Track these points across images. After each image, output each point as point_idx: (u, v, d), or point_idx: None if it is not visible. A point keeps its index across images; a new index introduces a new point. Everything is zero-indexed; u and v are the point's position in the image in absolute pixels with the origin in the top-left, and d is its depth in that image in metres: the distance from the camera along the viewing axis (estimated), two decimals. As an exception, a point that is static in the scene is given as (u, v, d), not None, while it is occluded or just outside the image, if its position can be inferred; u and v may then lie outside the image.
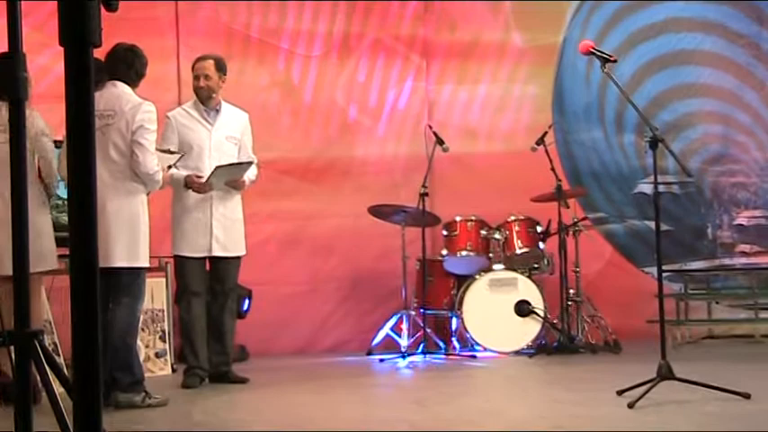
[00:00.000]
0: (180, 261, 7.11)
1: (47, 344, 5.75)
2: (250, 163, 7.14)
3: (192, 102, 7.24)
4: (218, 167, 6.91)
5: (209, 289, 7.17)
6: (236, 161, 7.09)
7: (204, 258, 7.11)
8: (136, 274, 6.13)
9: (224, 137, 7.16)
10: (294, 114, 9.92)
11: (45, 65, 7.84)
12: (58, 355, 7.14)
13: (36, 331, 2.99)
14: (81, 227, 1.79)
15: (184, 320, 7.13)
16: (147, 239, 6.22)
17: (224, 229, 7.09)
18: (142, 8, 8.85)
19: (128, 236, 6.05)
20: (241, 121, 7.31)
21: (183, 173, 6.94)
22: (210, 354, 7.13)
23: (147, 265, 6.27)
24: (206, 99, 7.14)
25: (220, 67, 7.19)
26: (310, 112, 9.98)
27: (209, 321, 7.15)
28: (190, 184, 6.94)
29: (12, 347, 2.99)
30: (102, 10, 1.92)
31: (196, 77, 7.16)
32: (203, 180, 6.93)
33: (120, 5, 2.02)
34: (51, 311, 7.33)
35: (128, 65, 6.23)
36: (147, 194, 6.28)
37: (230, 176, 7.01)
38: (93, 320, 1.78)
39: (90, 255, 1.78)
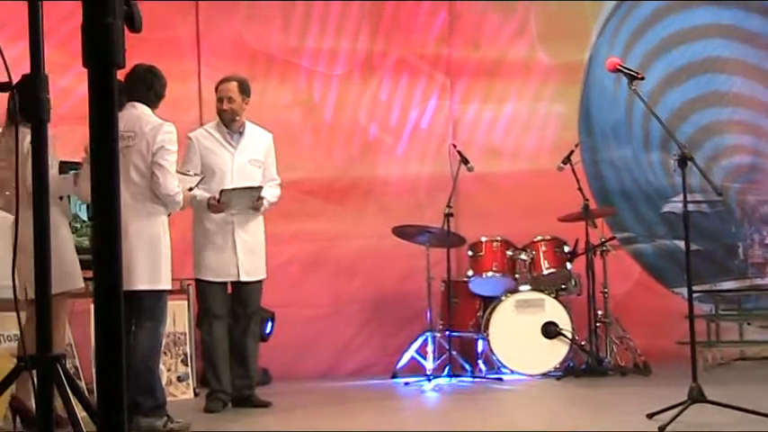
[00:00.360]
0: (201, 285, 7.12)
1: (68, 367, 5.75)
2: (259, 188, 7.09)
3: (215, 122, 7.24)
4: (222, 191, 6.91)
5: (232, 312, 7.16)
6: (256, 184, 7.07)
7: (226, 282, 7.11)
8: (158, 297, 6.14)
9: (247, 160, 7.16)
10: (316, 134, 9.93)
11: (68, 86, 7.87)
12: (80, 379, 7.16)
13: (58, 355, 3.00)
14: (105, 250, 1.80)
15: (206, 344, 7.13)
16: (168, 261, 6.22)
17: (246, 254, 7.08)
18: (163, 28, 8.91)
19: (149, 258, 6.05)
20: (265, 143, 7.31)
21: (206, 195, 6.95)
22: (233, 377, 7.12)
23: (169, 287, 6.27)
24: (229, 122, 7.15)
25: (244, 90, 7.18)
26: (333, 132, 9.99)
27: (232, 345, 7.14)
28: (209, 206, 6.95)
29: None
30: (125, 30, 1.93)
31: (219, 100, 7.16)
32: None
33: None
34: (72, 335, 7.35)
35: (147, 86, 6.24)
36: (168, 216, 6.29)
37: (241, 200, 7.01)
38: (118, 344, 1.78)
39: (114, 278, 1.78)
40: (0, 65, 2.92)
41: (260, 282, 7.22)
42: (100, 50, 1.83)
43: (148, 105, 6.25)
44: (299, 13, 9.87)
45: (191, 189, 6.59)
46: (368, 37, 10.08)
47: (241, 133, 7.18)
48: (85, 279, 6.21)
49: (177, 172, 6.37)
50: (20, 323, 3.38)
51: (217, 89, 7.23)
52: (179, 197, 6.20)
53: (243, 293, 7.15)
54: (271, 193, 7.21)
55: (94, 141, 1.81)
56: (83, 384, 6.94)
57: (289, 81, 9.85)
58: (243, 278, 7.08)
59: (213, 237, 7.04)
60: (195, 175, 6.75)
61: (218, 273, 7.03)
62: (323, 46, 9.95)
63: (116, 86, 1.81)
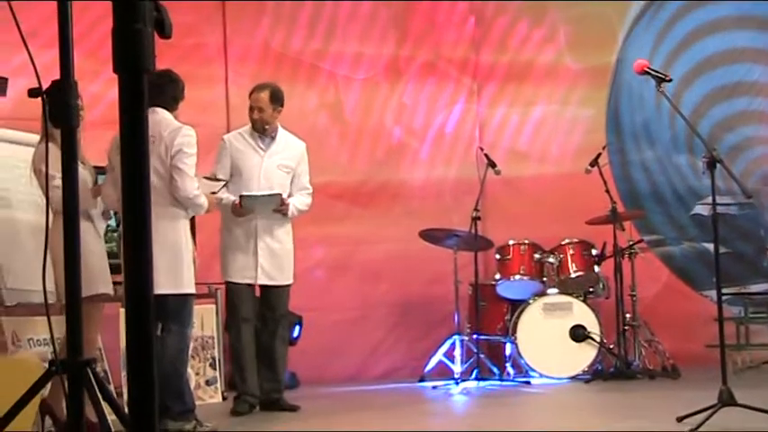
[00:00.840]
0: (230, 287, 7.15)
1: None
2: (278, 194, 7.09)
3: (248, 126, 7.28)
4: (242, 196, 6.95)
5: (260, 316, 7.18)
6: (277, 191, 7.08)
7: (253, 285, 7.13)
8: (183, 301, 6.15)
9: (275, 165, 7.17)
10: (343, 138, 9.94)
11: (97, 92, 7.91)
12: (109, 383, 7.19)
13: (89, 359, 3.01)
14: (136, 255, 1.81)
15: (235, 347, 7.16)
16: (191, 265, 6.24)
17: (269, 258, 7.08)
18: (192, 35, 8.94)
19: (171, 262, 6.05)
20: (297, 151, 7.33)
21: (232, 198, 6.98)
22: (261, 381, 7.13)
23: (192, 291, 6.28)
24: (260, 130, 7.19)
25: (276, 99, 7.19)
26: (359, 136, 9.99)
27: (260, 348, 7.16)
28: (232, 209, 6.99)
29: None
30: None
31: (251, 109, 7.20)
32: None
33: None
34: (102, 339, 7.38)
35: (164, 90, 6.26)
36: (192, 219, 6.31)
37: (263, 206, 7.03)
38: (149, 349, 1.79)
39: (144, 283, 1.79)
40: (30, 71, 2.94)
41: (287, 287, 7.23)
42: (130, 56, 1.84)
43: (167, 109, 6.26)
44: (326, 17, 9.88)
45: (214, 193, 6.59)
46: (394, 41, 10.09)
47: (273, 138, 7.21)
48: (115, 284, 6.24)
49: (204, 177, 6.39)
50: (50, 327, 3.39)
51: (250, 96, 7.26)
52: (199, 199, 6.21)
53: (270, 297, 7.18)
54: (300, 201, 7.21)
55: (125, 147, 1.82)
56: (112, 388, 6.97)
57: (315, 85, 9.86)
58: (263, 281, 7.08)
59: (238, 239, 7.07)
60: (219, 180, 6.77)
61: (243, 274, 7.05)
62: (349, 50, 9.96)
63: (146, 92, 1.82)
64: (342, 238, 9.67)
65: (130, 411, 1.79)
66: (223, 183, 6.77)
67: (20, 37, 3.02)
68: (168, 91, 6.28)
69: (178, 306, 6.12)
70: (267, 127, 7.17)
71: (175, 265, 6.09)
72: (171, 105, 6.31)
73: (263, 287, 7.17)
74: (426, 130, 10.20)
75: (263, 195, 7.03)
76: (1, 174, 6.93)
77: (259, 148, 7.17)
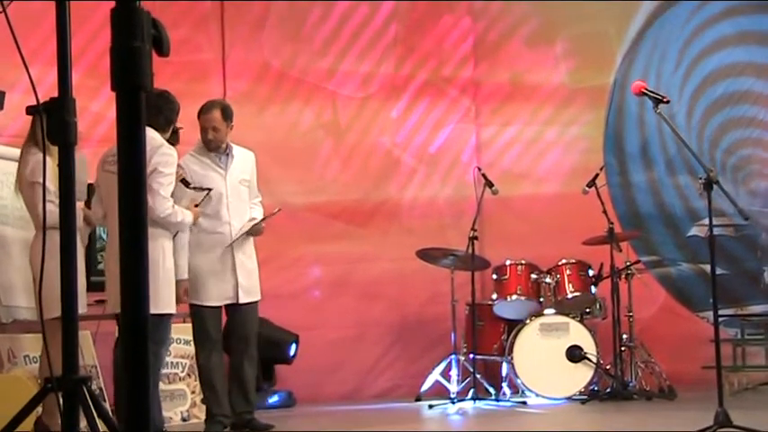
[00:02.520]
0: (199, 311, 6.96)
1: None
2: (278, 210, 7.17)
3: (199, 146, 7.09)
4: (255, 225, 6.97)
5: (229, 335, 7.06)
6: (247, 203, 7.09)
7: (220, 306, 7.03)
8: (158, 321, 6.06)
9: (237, 180, 7.06)
10: (340, 156, 9.94)
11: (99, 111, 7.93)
12: (104, 401, 7.17)
13: (84, 377, 3.01)
14: (132, 274, 1.80)
15: (206, 369, 6.99)
16: (169, 285, 6.20)
17: (246, 276, 6.97)
18: (189, 52, 8.95)
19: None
20: (251, 162, 7.22)
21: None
22: (233, 402, 7.01)
23: (170, 311, 6.23)
24: (215, 149, 7.04)
25: (227, 116, 7.03)
26: (356, 154, 9.99)
27: (231, 369, 7.05)
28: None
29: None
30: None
31: (204, 129, 7.00)
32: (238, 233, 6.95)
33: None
34: (97, 356, 7.37)
35: (157, 110, 6.24)
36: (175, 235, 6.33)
37: (257, 228, 7.03)
38: (144, 368, 1.79)
39: (140, 302, 1.79)
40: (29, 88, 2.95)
41: (256, 303, 7.08)
42: (127, 74, 1.84)
43: (157, 130, 6.24)
44: (325, 34, 9.90)
45: (196, 205, 6.57)
46: (393, 60, 10.11)
47: (227, 154, 7.07)
48: (100, 301, 6.27)
49: (192, 187, 6.40)
50: (45, 344, 3.39)
51: (199, 117, 7.03)
52: (174, 218, 6.17)
53: (243, 315, 7.00)
54: (259, 213, 7.19)
55: (123, 165, 1.82)
56: (108, 406, 6.95)
57: (313, 103, 9.86)
58: (242, 299, 6.94)
59: (211, 261, 6.93)
60: (203, 189, 6.71)
61: (218, 297, 6.94)
62: (348, 68, 9.97)
63: (144, 110, 1.82)
64: (339, 257, 9.66)
65: (124, 429, 1.79)
66: (206, 192, 6.69)
67: (18, 53, 3.02)
68: (161, 111, 6.26)
69: (153, 325, 6.04)
70: (222, 145, 7.06)
71: (153, 285, 6.03)
72: (162, 126, 6.28)
73: (230, 306, 7.03)
74: (424, 150, 10.21)
75: (271, 215, 7.07)
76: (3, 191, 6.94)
77: (218, 167, 7.02)
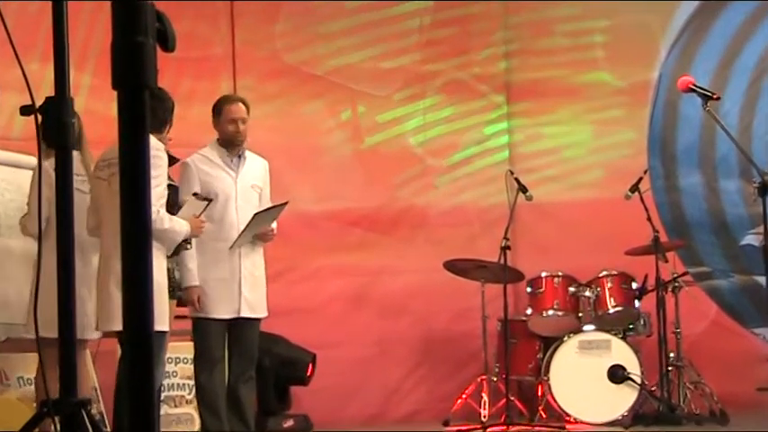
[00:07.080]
0: (202, 324, 6.93)
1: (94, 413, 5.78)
2: (285, 203, 7.04)
3: (212, 145, 7.09)
4: (256, 214, 6.84)
5: (229, 354, 7.04)
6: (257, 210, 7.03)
7: (225, 320, 6.98)
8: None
9: (249, 185, 7.04)
10: (361, 159, 9.94)
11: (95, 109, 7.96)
12: (105, 426, 7.18)
13: (83, 400, 3.01)
14: (135, 287, 1.80)
15: (207, 389, 6.94)
16: (163, 301, 6.18)
17: (252, 288, 6.92)
18: (198, 48, 8.98)
19: None
20: (264, 169, 7.20)
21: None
22: (230, 424, 6.96)
23: (164, 328, 6.21)
24: (239, 145, 7.05)
25: (248, 111, 7.11)
26: (379, 157, 9.99)
27: (228, 390, 7.00)
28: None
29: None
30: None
31: (232, 121, 7.00)
32: (238, 232, 6.89)
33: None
34: (98, 377, 7.38)
35: (154, 114, 6.24)
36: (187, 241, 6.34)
37: (263, 225, 6.96)
38: (149, 388, 1.78)
39: (145, 320, 1.79)
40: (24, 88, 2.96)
41: (259, 320, 7.05)
42: (130, 71, 1.83)
43: (153, 132, 6.23)
44: (343, 27, 9.91)
45: (197, 216, 6.53)
46: (419, 55, 10.10)
47: (240, 156, 7.07)
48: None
49: (193, 194, 6.39)
50: (41, 365, 3.40)
51: (221, 110, 7.04)
52: (159, 223, 6.05)
53: (245, 332, 6.96)
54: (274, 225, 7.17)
55: (125, 169, 1.82)
56: (108, 430, 6.95)
57: (331, 102, 9.87)
58: (245, 313, 6.89)
59: (216, 269, 6.89)
60: (204, 199, 6.63)
61: (221, 309, 6.88)
62: (368, 64, 9.98)
63: (148, 110, 1.82)
64: (359, 269, 9.66)
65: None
66: (206, 203, 6.63)
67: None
68: (157, 114, 6.26)
69: None
70: (244, 144, 7.05)
71: None
72: (156, 127, 6.26)
73: (234, 320, 6.99)
74: (452, 152, 10.20)
75: (272, 207, 6.99)
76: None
77: (230, 169, 7.02)
